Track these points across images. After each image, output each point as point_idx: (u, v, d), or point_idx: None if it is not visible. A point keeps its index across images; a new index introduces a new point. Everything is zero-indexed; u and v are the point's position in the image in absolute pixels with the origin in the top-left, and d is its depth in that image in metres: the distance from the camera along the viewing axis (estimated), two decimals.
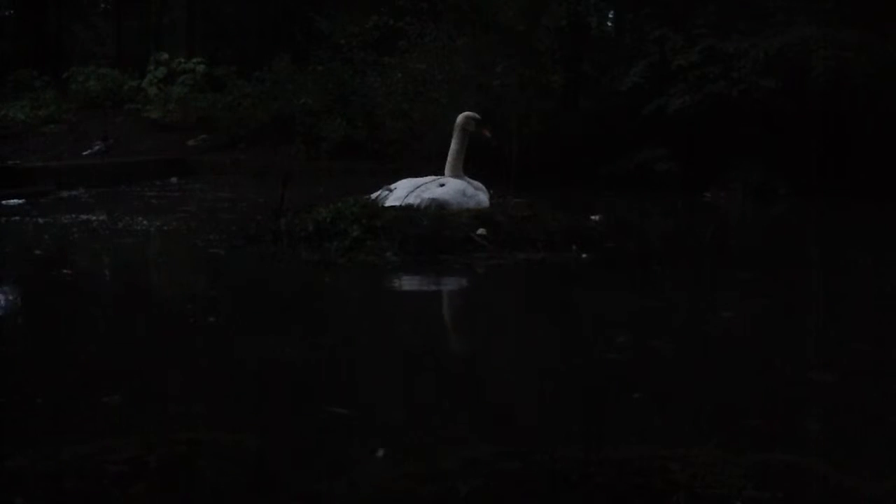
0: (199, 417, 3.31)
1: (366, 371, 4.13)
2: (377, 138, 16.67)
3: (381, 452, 2.99)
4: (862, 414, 3.46)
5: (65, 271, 6.90)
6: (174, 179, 15.47)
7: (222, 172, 16.28)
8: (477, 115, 7.97)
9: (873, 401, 3.62)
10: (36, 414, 3.40)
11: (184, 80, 19.32)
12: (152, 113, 18.92)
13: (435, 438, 3.19)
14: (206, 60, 19.89)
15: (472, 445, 2.98)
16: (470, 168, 7.88)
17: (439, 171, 7.78)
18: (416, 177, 7.71)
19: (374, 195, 7.54)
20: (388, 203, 7.29)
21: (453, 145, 7.77)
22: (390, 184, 7.66)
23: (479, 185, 7.77)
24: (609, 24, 17.55)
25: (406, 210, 7.12)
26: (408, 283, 6.54)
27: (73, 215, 9.78)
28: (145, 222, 9.24)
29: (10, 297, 6.02)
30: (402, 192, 7.38)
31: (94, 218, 9.55)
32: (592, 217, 8.13)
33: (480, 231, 6.89)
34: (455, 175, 7.66)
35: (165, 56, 20.10)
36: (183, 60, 20.01)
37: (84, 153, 17.37)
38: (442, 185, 7.47)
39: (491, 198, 7.76)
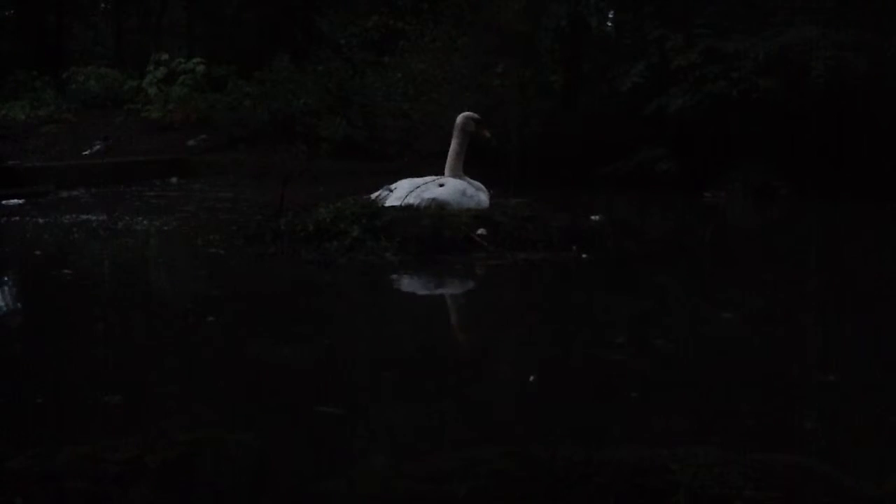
0: (199, 417, 3.31)
1: (366, 371, 4.13)
2: (377, 138, 16.66)
3: (381, 452, 2.99)
4: (862, 414, 3.46)
5: (65, 271, 6.90)
6: (174, 179, 15.46)
7: (222, 172, 16.26)
8: (477, 116, 7.97)
9: (873, 401, 3.62)
10: (36, 414, 3.40)
11: (184, 80, 19.30)
12: (152, 113, 18.90)
13: (435, 438, 3.19)
14: (206, 60, 19.88)
15: (472, 445, 2.98)
16: (470, 168, 7.88)
17: (439, 171, 7.78)
18: (416, 177, 7.71)
19: (374, 195, 7.54)
20: (388, 203, 7.29)
21: (453, 145, 7.77)
22: (390, 184, 7.66)
23: (479, 185, 7.77)
24: (609, 24, 17.53)
25: (406, 210, 7.12)
26: (408, 283, 6.54)
27: (73, 215, 9.78)
28: (145, 222, 9.23)
29: (10, 297, 6.02)
30: (402, 192, 7.38)
31: (94, 218, 9.55)
32: (592, 217, 8.13)
33: (480, 231, 6.89)
34: (455, 175, 7.66)
35: (165, 56, 20.07)
36: (183, 60, 19.99)
37: (84, 153, 17.37)
38: (442, 185, 7.47)
39: (491, 198, 7.76)
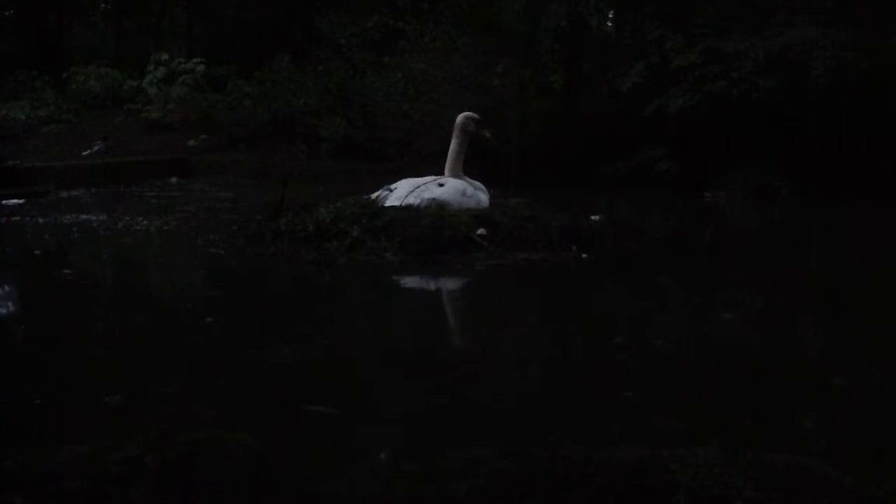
0: (199, 417, 3.31)
1: (366, 371, 4.13)
2: (377, 138, 16.66)
3: (380, 452, 2.99)
4: (862, 414, 3.46)
5: (65, 271, 6.90)
6: (174, 179, 15.46)
7: (222, 172, 16.26)
8: (476, 116, 7.97)
9: (873, 401, 3.62)
10: (36, 414, 3.40)
11: (184, 80, 19.30)
12: (152, 113, 18.90)
13: (435, 438, 3.19)
14: (206, 60, 19.87)
15: (472, 445, 2.98)
16: (470, 168, 7.88)
17: (439, 171, 7.78)
18: (416, 177, 7.71)
19: (374, 195, 7.54)
20: (388, 203, 7.29)
21: (453, 145, 7.77)
22: (390, 184, 7.66)
23: (479, 185, 7.77)
24: (609, 24, 17.53)
25: (406, 210, 7.12)
26: (408, 283, 6.54)
27: (73, 215, 9.78)
28: (145, 222, 9.24)
29: (10, 297, 6.02)
30: (402, 192, 7.38)
31: (94, 218, 9.55)
32: (592, 217, 8.13)
33: (480, 231, 6.89)
34: (455, 175, 7.66)
35: (165, 56, 20.07)
36: (183, 60, 19.99)
37: (84, 153, 17.37)
38: (442, 185, 7.47)
39: (491, 198, 7.76)
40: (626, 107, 14.46)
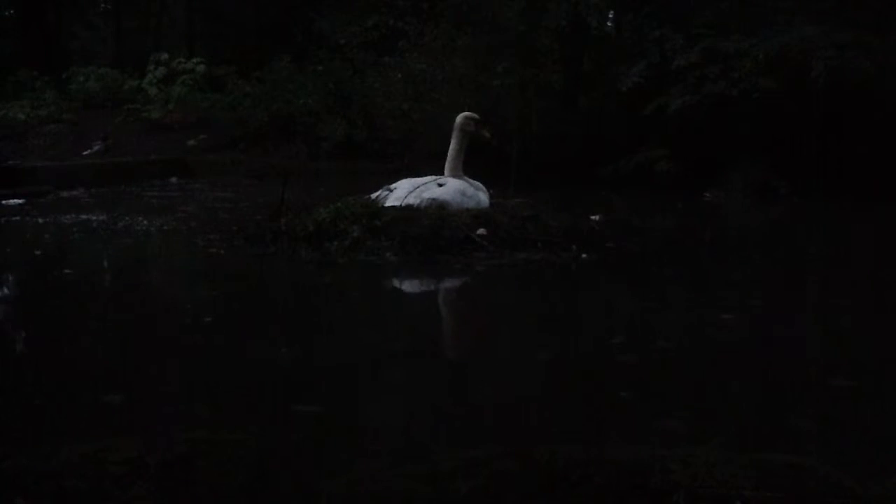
0: (199, 417, 3.31)
1: (365, 371, 4.13)
2: (377, 138, 16.66)
3: (380, 452, 2.99)
4: (862, 413, 3.46)
5: (65, 271, 6.90)
6: (174, 179, 15.47)
7: (222, 172, 16.27)
8: (476, 116, 7.97)
9: (874, 401, 3.62)
10: (36, 414, 3.40)
11: (184, 80, 19.31)
12: (152, 113, 18.91)
13: (435, 438, 3.19)
14: (206, 60, 19.88)
15: (472, 445, 2.98)
16: (470, 168, 7.88)
17: (439, 171, 7.78)
18: (416, 177, 7.71)
19: (374, 195, 7.54)
20: (388, 203, 7.29)
21: (452, 145, 7.77)
22: (390, 184, 7.66)
23: (479, 185, 7.77)
24: (609, 24, 17.53)
25: (406, 210, 7.12)
26: (408, 283, 6.54)
27: (73, 215, 9.78)
28: (145, 222, 9.24)
29: (11, 297, 6.02)
30: (402, 192, 7.38)
31: (94, 218, 9.55)
32: (592, 217, 8.13)
33: (480, 231, 6.89)
34: (455, 175, 7.66)
35: (165, 56, 20.08)
36: (183, 60, 20.00)
37: (84, 153, 17.37)
38: (442, 185, 7.47)
39: (491, 198, 7.76)
40: (626, 107, 14.46)
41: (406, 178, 7.76)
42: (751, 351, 4.53)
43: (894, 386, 3.89)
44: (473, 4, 16.02)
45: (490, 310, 5.80)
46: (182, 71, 19.59)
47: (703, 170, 13.26)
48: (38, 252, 7.64)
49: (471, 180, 7.71)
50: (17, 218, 9.65)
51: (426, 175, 7.76)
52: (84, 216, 9.73)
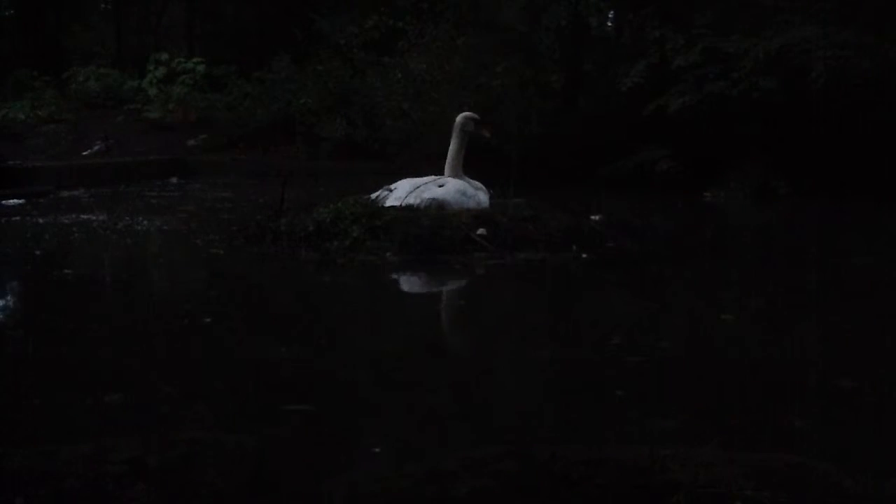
0: (199, 417, 3.31)
1: (366, 371, 4.13)
2: (377, 138, 16.65)
3: (381, 452, 2.99)
4: (862, 413, 3.46)
5: (65, 271, 6.90)
6: (174, 179, 15.47)
7: (222, 172, 16.26)
8: (476, 116, 7.96)
9: (874, 400, 3.62)
10: (36, 414, 3.40)
11: (184, 80, 19.32)
12: (152, 113, 18.91)
13: (435, 438, 3.19)
14: (206, 60, 19.88)
15: (472, 445, 2.98)
16: (470, 168, 7.88)
17: (439, 171, 7.78)
18: (416, 177, 7.71)
19: (374, 195, 7.53)
20: (388, 203, 7.29)
21: (452, 145, 7.76)
22: (390, 184, 7.66)
23: (479, 185, 7.76)
24: (609, 24, 17.53)
25: (406, 210, 7.12)
26: (408, 283, 6.54)
27: (73, 215, 9.78)
28: (145, 222, 9.24)
29: (11, 297, 6.02)
30: (402, 192, 7.38)
31: (94, 218, 9.55)
32: (592, 217, 8.13)
33: (480, 231, 6.89)
34: (455, 175, 7.66)
35: (165, 56, 20.09)
36: (183, 60, 20.01)
37: (84, 153, 17.37)
38: (442, 185, 7.47)
39: (491, 198, 7.76)
40: (626, 107, 14.44)
41: (406, 178, 7.75)
42: (751, 351, 4.53)
43: (894, 386, 3.89)
44: (473, 4, 16.01)
45: (490, 310, 5.80)
46: (182, 71, 19.60)
47: (703, 170, 13.25)
48: (38, 252, 7.64)
49: (471, 180, 7.71)
50: (17, 218, 9.65)
51: (426, 175, 7.76)
52: (84, 216, 9.73)
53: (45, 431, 3.17)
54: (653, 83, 13.86)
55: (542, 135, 14.85)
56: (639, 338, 4.73)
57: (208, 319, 5.09)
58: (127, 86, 20.23)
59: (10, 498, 2.53)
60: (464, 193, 7.45)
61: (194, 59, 20.05)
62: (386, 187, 7.60)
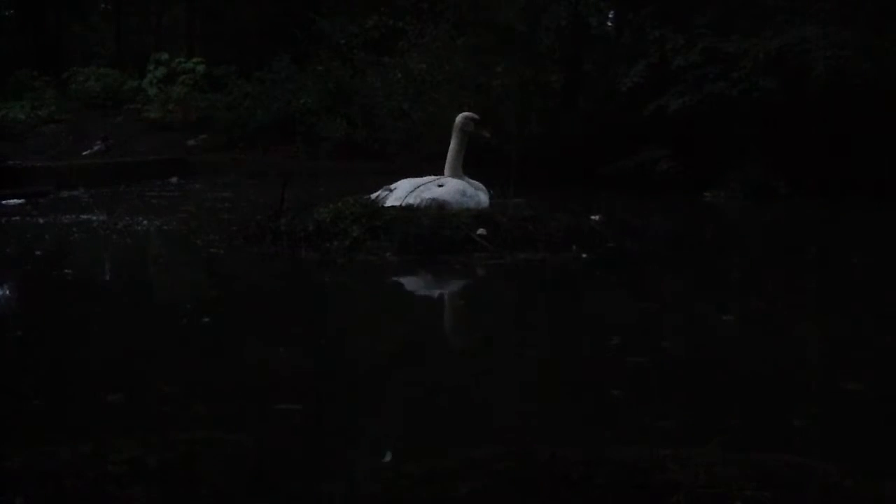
0: (199, 417, 3.31)
1: (365, 371, 4.13)
2: (377, 138, 16.66)
3: (381, 452, 2.99)
4: (863, 414, 3.46)
5: (65, 271, 6.90)
6: (174, 179, 15.47)
7: (222, 172, 16.27)
8: (476, 116, 7.96)
9: (874, 401, 3.62)
10: (36, 414, 3.40)
11: (184, 80, 19.32)
12: (152, 113, 18.91)
13: (435, 438, 3.19)
14: (206, 60, 19.88)
15: (472, 445, 2.98)
16: (470, 168, 7.88)
17: (439, 171, 7.78)
18: (416, 177, 7.71)
19: (374, 195, 7.54)
20: (388, 203, 7.29)
21: (452, 145, 7.77)
22: (390, 184, 7.66)
23: (479, 185, 7.77)
24: (609, 24, 17.52)
25: (406, 210, 7.12)
26: (408, 283, 6.54)
27: (73, 215, 9.78)
28: (145, 222, 9.24)
29: (11, 297, 6.02)
30: (402, 192, 7.38)
31: (94, 218, 9.55)
32: (592, 217, 8.13)
33: (480, 231, 6.89)
34: (455, 175, 7.66)
35: (165, 56, 20.09)
36: (183, 60, 20.01)
37: (84, 153, 17.37)
38: (442, 185, 7.47)
39: (491, 198, 7.76)
40: (626, 107, 14.44)
41: (406, 178, 7.75)
42: (750, 351, 4.53)
43: (894, 386, 3.89)
44: (473, 4, 16.01)
45: (490, 310, 5.80)
46: (182, 71, 19.60)
47: (703, 170, 13.25)
48: (38, 252, 7.64)
49: (471, 180, 7.71)
50: (17, 218, 9.65)
51: (426, 175, 7.76)
52: (84, 216, 9.73)
53: (45, 431, 3.17)
54: (653, 83, 13.86)
55: (542, 135, 14.85)
56: (639, 338, 4.73)
57: (207, 319, 5.09)
58: (127, 86, 20.23)
59: (10, 498, 2.53)
60: (464, 193, 7.46)
61: (194, 59, 20.05)
62: (386, 187, 7.60)
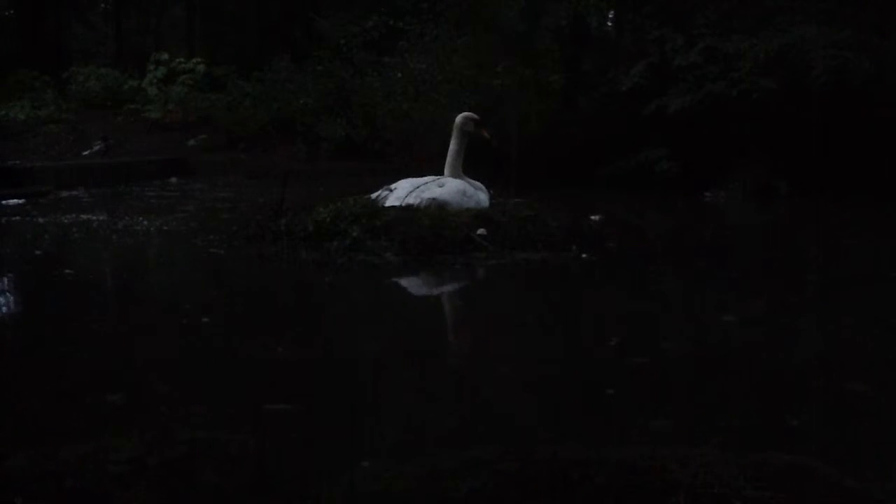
0: (199, 417, 3.31)
1: (365, 372, 4.13)
2: (377, 138, 16.67)
3: (380, 452, 2.99)
4: (863, 413, 3.46)
5: (65, 271, 6.90)
6: (174, 179, 15.47)
7: (222, 172, 16.27)
8: (475, 116, 7.96)
9: (873, 401, 3.62)
10: (36, 414, 3.40)
11: (184, 80, 19.33)
12: (152, 113, 18.92)
13: (435, 438, 3.19)
14: (206, 60, 19.89)
15: (472, 445, 2.98)
16: (470, 168, 7.88)
17: (439, 172, 7.78)
18: (416, 177, 7.71)
19: (374, 195, 7.54)
20: (388, 203, 7.29)
21: (452, 146, 7.77)
22: (390, 184, 7.66)
23: (479, 185, 7.77)
24: (609, 24, 17.54)
25: (406, 210, 7.12)
26: (408, 283, 6.54)
27: (73, 215, 9.78)
28: (145, 222, 9.24)
29: (11, 297, 6.02)
30: (402, 192, 7.38)
31: (94, 218, 9.55)
32: (592, 217, 8.14)
33: (480, 231, 6.89)
34: (454, 175, 7.66)
35: (165, 56, 20.10)
36: (183, 60, 20.02)
37: (84, 153, 17.37)
38: (442, 185, 7.47)
39: (491, 198, 7.76)
40: (626, 107, 14.45)
41: (406, 178, 7.76)
42: (751, 351, 4.53)
43: (894, 386, 3.89)
44: (473, 4, 16.02)
45: (490, 310, 5.80)
46: (182, 71, 19.61)
47: (703, 170, 13.26)
48: (38, 252, 7.64)
49: (471, 180, 7.71)
50: (17, 218, 9.65)
51: (426, 175, 7.76)
52: (84, 216, 9.73)
53: (45, 431, 3.17)
54: (653, 83, 13.87)
55: (542, 135, 14.85)
56: (639, 338, 4.73)
57: (208, 319, 5.09)
58: (127, 86, 20.23)
59: (10, 498, 2.53)
60: (464, 193, 7.46)
61: (194, 59, 20.06)
62: (386, 187, 7.60)
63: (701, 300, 6.01)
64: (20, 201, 11.25)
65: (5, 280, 6.58)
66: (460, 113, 8.05)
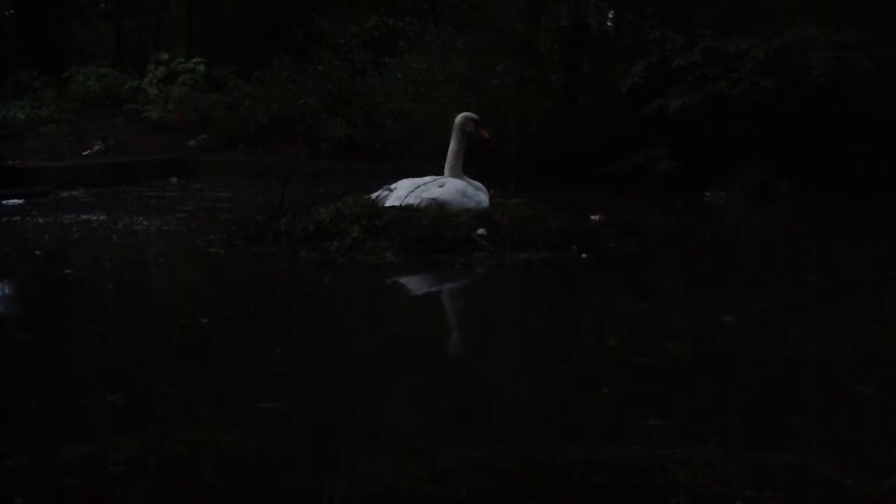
0: (199, 417, 3.31)
1: (365, 372, 4.13)
2: (377, 138, 16.65)
3: (381, 452, 2.99)
4: (862, 413, 3.46)
5: (65, 271, 6.90)
6: (174, 179, 15.46)
7: (222, 172, 16.25)
8: (475, 116, 7.96)
9: (873, 401, 3.62)
10: (36, 414, 3.40)
11: (184, 80, 19.30)
12: (152, 113, 18.90)
13: (435, 439, 3.19)
14: (206, 60, 19.87)
15: (472, 445, 2.98)
16: (470, 168, 7.88)
17: (439, 172, 7.78)
18: (416, 177, 7.71)
19: (374, 195, 7.53)
20: (388, 203, 7.29)
21: (452, 146, 7.76)
22: (390, 184, 7.66)
23: (479, 185, 7.77)
24: (609, 24, 17.53)
25: (406, 210, 7.12)
26: (408, 283, 6.54)
27: (73, 215, 9.78)
28: (145, 222, 9.23)
29: (11, 297, 6.02)
30: (402, 192, 7.38)
31: (94, 218, 9.55)
32: (592, 217, 8.13)
33: (480, 231, 6.89)
34: (454, 175, 7.66)
35: (165, 56, 20.08)
36: (183, 60, 19.99)
37: (84, 153, 17.36)
38: (442, 185, 7.47)
39: (491, 198, 7.76)
40: (626, 107, 14.45)
41: (406, 178, 7.75)
42: (751, 351, 4.53)
43: (894, 386, 3.89)
44: (473, 4, 16.01)
45: (490, 310, 5.80)
46: (182, 71, 19.59)
47: (703, 170, 13.25)
48: (38, 252, 7.64)
49: (471, 180, 7.71)
50: (17, 218, 9.64)
51: (426, 175, 7.76)
52: (84, 216, 9.72)
53: (45, 431, 3.17)
54: (653, 83, 13.86)
55: (542, 135, 14.84)
56: (638, 338, 4.73)
57: (206, 319, 5.09)
58: (127, 86, 20.21)
59: (10, 498, 2.53)
60: (464, 193, 7.46)
61: (194, 59, 20.03)
62: (386, 187, 7.60)
63: (701, 300, 6.01)
64: (20, 201, 11.24)
65: (5, 280, 6.58)
66: (460, 113, 8.05)
